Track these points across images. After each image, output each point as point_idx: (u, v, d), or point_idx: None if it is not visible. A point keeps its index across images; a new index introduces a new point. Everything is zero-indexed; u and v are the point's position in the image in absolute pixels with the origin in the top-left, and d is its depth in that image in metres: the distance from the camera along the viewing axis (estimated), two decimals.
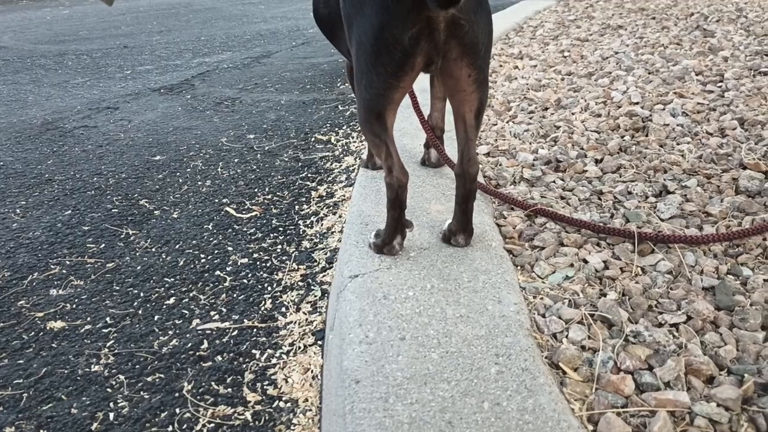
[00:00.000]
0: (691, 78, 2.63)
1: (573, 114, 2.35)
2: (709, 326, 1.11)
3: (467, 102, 1.26)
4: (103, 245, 1.88)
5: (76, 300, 1.60)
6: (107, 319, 1.52)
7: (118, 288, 1.65)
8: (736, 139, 1.92)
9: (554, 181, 1.76)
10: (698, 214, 1.50)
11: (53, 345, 1.43)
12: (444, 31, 1.11)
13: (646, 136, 2.03)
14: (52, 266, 1.77)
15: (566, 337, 1.09)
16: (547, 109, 2.48)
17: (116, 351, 1.40)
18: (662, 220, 1.49)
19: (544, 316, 1.15)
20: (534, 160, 1.91)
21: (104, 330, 1.48)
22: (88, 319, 1.53)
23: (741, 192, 1.58)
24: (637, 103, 2.35)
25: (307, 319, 1.49)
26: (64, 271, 1.74)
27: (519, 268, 1.34)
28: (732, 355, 1.03)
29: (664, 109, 2.25)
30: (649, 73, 2.79)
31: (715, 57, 2.96)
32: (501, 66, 3.32)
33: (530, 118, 2.36)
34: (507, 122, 2.34)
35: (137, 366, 1.35)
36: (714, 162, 1.77)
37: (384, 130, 1.25)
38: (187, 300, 1.59)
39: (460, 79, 1.21)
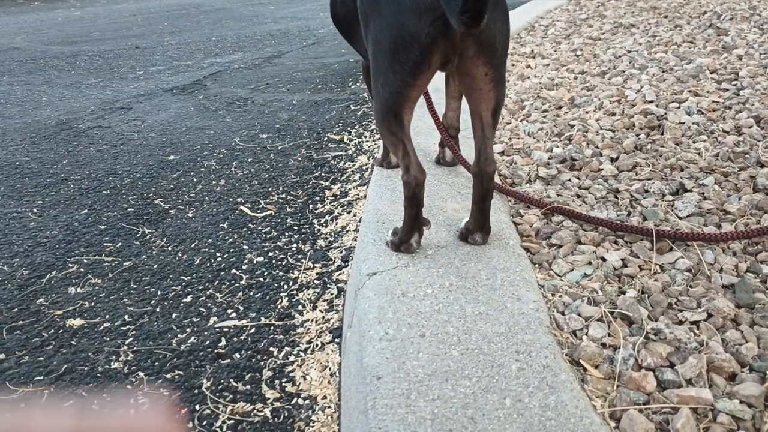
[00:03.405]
0: (706, 76, 2.61)
1: (587, 113, 2.34)
2: (730, 324, 1.10)
3: (484, 100, 1.26)
4: (120, 244, 1.89)
5: (94, 298, 1.62)
6: (125, 317, 1.53)
7: (135, 286, 1.67)
8: (752, 137, 1.91)
9: (570, 180, 1.75)
10: (716, 212, 1.50)
11: (73, 342, 1.44)
12: (460, 30, 1.11)
13: (662, 134, 2.02)
14: (69, 265, 1.78)
15: (586, 334, 1.09)
16: (560, 107, 2.47)
17: (135, 348, 1.41)
18: (680, 218, 1.48)
19: (563, 313, 1.15)
20: (549, 158, 1.91)
21: (123, 328, 1.49)
22: (107, 316, 1.54)
23: (759, 190, 1.57)
24: (651, 102, 2.35)
25: (324, 317, 1.49)
26: (81, 270, 1.75)
27: (537, 266, 1.34)
28: (753, 353, 1.02)
29: (679, 107, 2.24)
30: (663, 72, 2.78)
31: (729, 55, 2.95)
32: (513, 65, 3.32)
33: (544, 117, 2.36)
34: (521, 121, 2.34)
35: (156, 363, 1.36)
36: (731, 160, 1.76)
37: (401, 128, 1.25)
38: (204, 298, 1.60)
39: (477, 78, 1.21)
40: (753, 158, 1.74)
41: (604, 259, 1.33)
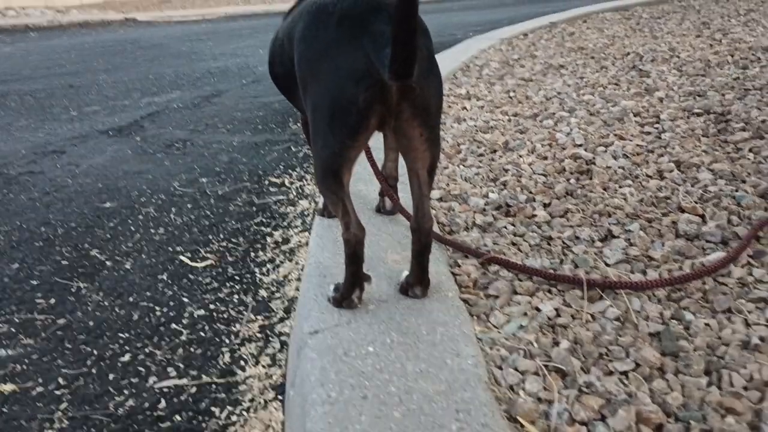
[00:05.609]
0: (630, 119, 2.75)
1: (520, 156, 2.43)
2: (657, 373, 1.16)
3: (420, 159, 1.30)
4: (54, 300, 1.84)
5: (26, 360, 1.56)
6: (60, 380, 1.49)
7: (70, 346, 1.62)
8: (674, 181, 2.02)
9: (505, 227, 1.81)
10: (642, 258, 1.57)
11: (4, 410, 1.39)
12: (396, 94, 1.17)
13: (591, 179, 2.11)
14: (0, 324, 1.72)
15: (523, 389, 1.13)
16: (495, 151, 2.55)
17: (70, 414, 1.37)
18: (608, 265, 1.55)
19: (500, 368, 1.19)
20: (485, 204, 1.97)
21: (57, 392, 1.45)
22: (40, 380, 1.49)
23: (680, 236, 1.66)
24: (580, 145, 2.45)
25: (266, 373, 1.49)
26: (12, 330, 1.69)
27: (475, 318, 1.38)
28: (678, 402, 1.08)
29: (606, 151, 2.35)
30: (591, 115, 2.92)
31: (651, 98, 3.11)
32: (450, 107, 3.41)
33: (480, 161, 2.43)
34: (458, 165, 2.41)
35: (93, 430, 1.32)
36: (654, 205, 1.86)
37: (341, 187, 1.28)
38: (142, 356, 1.57)
39: (413, 138, 1.26)
40: (674, 203, 1.84)
41: (538, 310, 1.38)
